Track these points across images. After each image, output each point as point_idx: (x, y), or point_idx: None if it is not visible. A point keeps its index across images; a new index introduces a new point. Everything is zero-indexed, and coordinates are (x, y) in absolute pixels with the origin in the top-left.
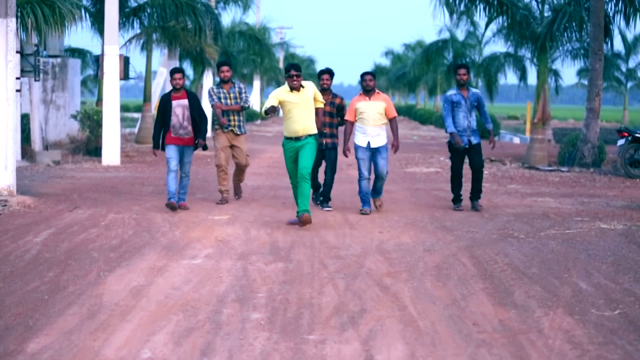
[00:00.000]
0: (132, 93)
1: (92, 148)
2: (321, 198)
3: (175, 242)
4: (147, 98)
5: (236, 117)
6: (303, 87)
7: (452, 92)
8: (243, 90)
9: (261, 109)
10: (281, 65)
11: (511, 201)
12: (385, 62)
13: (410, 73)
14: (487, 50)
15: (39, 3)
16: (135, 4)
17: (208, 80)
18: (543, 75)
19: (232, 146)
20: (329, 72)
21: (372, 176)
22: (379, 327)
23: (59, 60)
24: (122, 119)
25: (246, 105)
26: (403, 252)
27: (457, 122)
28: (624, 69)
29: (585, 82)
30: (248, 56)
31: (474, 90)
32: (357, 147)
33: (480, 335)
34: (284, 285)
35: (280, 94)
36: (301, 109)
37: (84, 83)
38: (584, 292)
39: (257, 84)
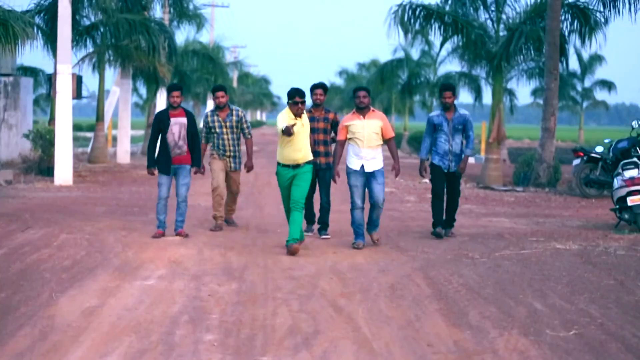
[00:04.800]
0: (85, 112)
1: (44, 167)
2: (319, 226)
3: (127, 263)
4: (99, 117)
5: (231, 147)
6: (303, 113)
7: (434, 113)
8: (243, 119)
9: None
10: (235, 84)
11: (466, 221)
12: (340, 81)
13: None
14: (442, 70)
15: None
16: (88, 23)
17: (162, 99)
18: (498, 94)
19: (226, 173)
20: (323, 87)
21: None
22: (332, 348)
23: (11, 79)
24: (75, 139)
25: (249, 137)
26: (357, 273)
27: (438, 146)
28: (579, 88)
29: (541, 102)
30: (202, 75)
31: (462, 112)
32: (349, 172)
33: (434, 357)
34: (237, 306)
35: (287, 119)
36: (302, 136)
37: (36, 102)
38: (539, 313)
39: (210, 103)
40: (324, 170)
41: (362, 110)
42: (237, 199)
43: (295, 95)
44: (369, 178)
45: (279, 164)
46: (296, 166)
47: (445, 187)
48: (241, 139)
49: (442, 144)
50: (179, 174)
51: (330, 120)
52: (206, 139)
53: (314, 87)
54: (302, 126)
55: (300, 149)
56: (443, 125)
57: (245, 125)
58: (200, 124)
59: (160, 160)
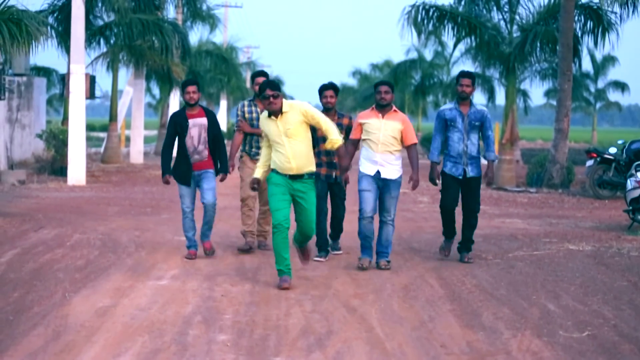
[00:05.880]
0: (98, 112)
1: (57, 167)
2: (328, 248)
3: (141, 263)
4: (113, 117)
5: None
6: (283, 112)
7: (446, 107)
8: None
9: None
10: (248, 84)
11: (479, 222)
12: (353, 82)
13: None
14: (455, 70)
15: (6, 21)
16: (102, 23)
17: (175, 99)
18: (511, 95)
19: None
20: (333, 88)
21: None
22: (345, 349)
23: (24, 78)
24: (88, 138)
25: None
26: (370, 274)
27: (450, 146)
28: (592, 90)
29: (554, 103)
30: (215, 75)
31: (479, 106)
32: (361, 176)
33: (447, 357)
34: (250, 306)
35: (261, 122)
36: (286, 140)
37: (49, 102)
38: (552, 314)
39: (223, 103)
40: (339, 184)
41: (382, 108)
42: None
43: (265, 88)
44: (383, 188)
45: (272, 170)
46: (293, 178)
47: (462, 199)
48: None
49: (455, 144)
50: (203, 179)
51: (345, 126)
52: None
53: (323, 89)
54: (280, 129)
55: (289, 158)
56: (457, 120)
57: None
58: (222, 125)
59: (178, 168)
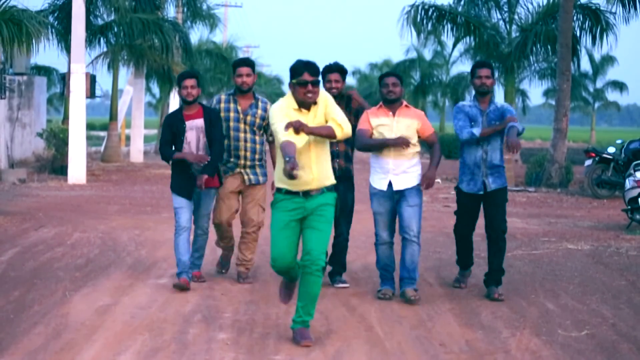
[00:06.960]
0: (98, 111)
1: (57, 166)
2: (331, 268)
3: (141, 262)
4: (113, 116)
5: (249, 154)
6: (316, 103)
7: (466, 103)
8: (267, 115)
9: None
10: None
11: (478, 222)
12: (352, 81)
13: (376, 93)
14: (454, 70)
15: (7, 22)
16: (102, 22)
17: (175, 98)
18: (510, 95)
19: (240, 192)
20: (340, 70)
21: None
22: (345, 348)
23: (25, 78)
24: (88, 138)
25: (270, 139)
26: (369, 273)
27: (466, 153)
28: (591, 89)
29: (552, 102)
30: (215, 75)
31: (500, 103)
32: (372, 194)
33: (447, 356)
34: (250, 305)
35: (285, 113)
36: (312, 143)
37: (50, 101)
38: (551, 313)
39: None
40: (343, 182)
41: (391, 105)
42: (256, 243)
43: (303, 70)
44: (399, 199)
45: (279, 190)
46: (308, 193)
47: (485, 218)
48: (265, 144)
49: (472, 150)
50: (202, 198)
51: (353, 111)
52: None
53: (327, 71)
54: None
55: (310, 165)
56: (477, 120)
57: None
58: None
59: (177, 179)
